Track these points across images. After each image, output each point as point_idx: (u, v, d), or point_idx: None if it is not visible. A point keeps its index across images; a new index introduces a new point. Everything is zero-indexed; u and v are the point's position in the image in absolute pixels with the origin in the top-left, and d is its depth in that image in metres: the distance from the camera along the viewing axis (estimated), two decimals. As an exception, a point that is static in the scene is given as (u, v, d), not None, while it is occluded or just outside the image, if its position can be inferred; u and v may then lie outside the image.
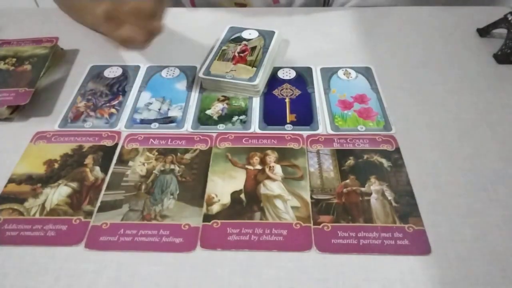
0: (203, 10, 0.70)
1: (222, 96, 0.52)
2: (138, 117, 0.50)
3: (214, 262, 0.36)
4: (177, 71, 0.56)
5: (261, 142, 0.46)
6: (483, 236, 0.37)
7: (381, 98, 0.51)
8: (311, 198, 0.40)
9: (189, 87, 0.54)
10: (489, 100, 0.50)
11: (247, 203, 0.40)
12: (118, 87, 0.54)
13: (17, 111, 0.50)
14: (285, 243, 0.37)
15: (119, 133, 0.48)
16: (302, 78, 0.54)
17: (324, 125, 0.48)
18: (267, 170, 0.43)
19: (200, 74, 0.52)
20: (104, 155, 0.45)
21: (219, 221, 0.39)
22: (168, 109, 0.50)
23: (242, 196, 0.41)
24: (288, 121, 0.48)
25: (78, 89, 0.53)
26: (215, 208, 0.40)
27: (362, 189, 0.41)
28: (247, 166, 0.44)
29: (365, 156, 0.44)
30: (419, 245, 0.36)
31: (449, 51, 0.58)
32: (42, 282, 0.35)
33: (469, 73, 0.54)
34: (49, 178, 0.43)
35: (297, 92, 0.52)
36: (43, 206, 0.40)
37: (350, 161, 0.44)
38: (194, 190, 0.41)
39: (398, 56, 0.57)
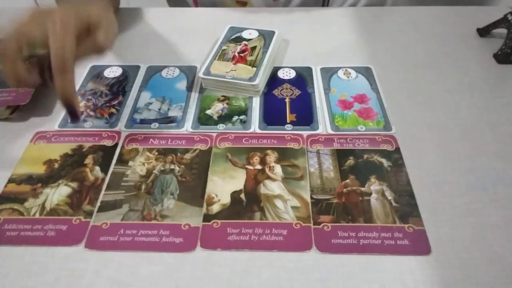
0: (203, 10, 0.70)
1: (222, 96, 0.52)
2: (138, 117, 0.50)
3: (214, 262, 0.36)
4: (177, 71, 0.56)
5: (261, 142, 0.46)
6: (483, 236, 0.37)
7: (381, 98, 0.51)
8: (311, 198, 0.40)
9: (189, 87, 0.54)
10: (489, 100, 0.50)
11: (247, 203, 0.40)
12: (118, 87, 0.54)
13: (17, 111, 0.50)
14: (285, 243, 0.37)
15: (119, 133, 0.48)
16: (302, 78, 0.54)
17: (324, 125, 0.48)
18: (267, 170, 0.43)
19: (200, 74, 0.52)
20: (104, 155, 0.45)
21: (219, 221, 0.39)
22: (168, 109, 0.50)
23: (242, 196, 0.41)
24: (288, 121, 0.48)
25: (78, 89, 0.53)
26: (215, 208, 0.40)
27: (362, 189, 0.41)
28: (247, 166, 0.44)
29: (365, 156, 0.44)
30: (419, 245, 0.36)
31: (449, 51, 0.58)
32: (42, 282, 0.35)
33: (469, 73, 0.54)
34: (49, 178, 0.43)
35: (297, 92, 0.52)
36: (43, 206, 0.40)
37: (350, 161, 0.44)
38: (194, 190, 0.41)
39: (398, 56, 0.57)
